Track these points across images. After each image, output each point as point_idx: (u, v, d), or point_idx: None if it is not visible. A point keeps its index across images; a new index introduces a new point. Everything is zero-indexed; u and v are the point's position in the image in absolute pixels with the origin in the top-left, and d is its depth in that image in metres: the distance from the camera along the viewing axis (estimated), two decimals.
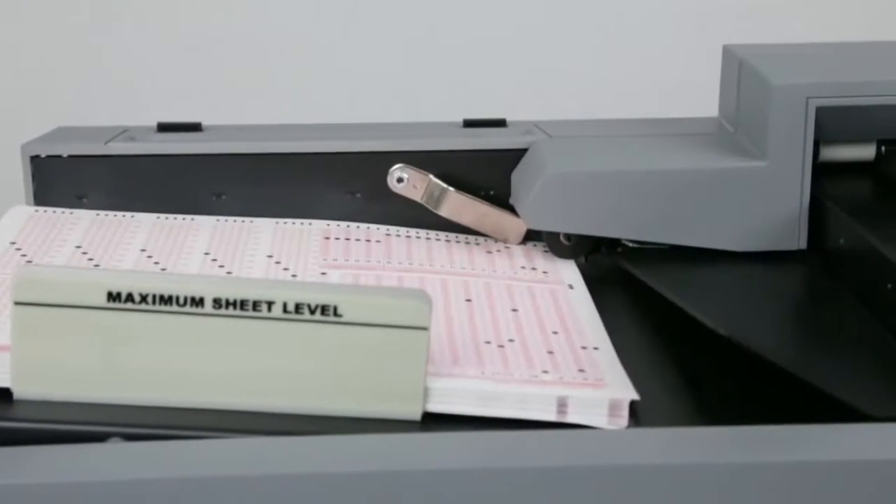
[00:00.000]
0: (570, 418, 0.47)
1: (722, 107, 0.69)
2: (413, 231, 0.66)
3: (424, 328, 0.46)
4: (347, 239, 0.64)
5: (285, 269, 0.60)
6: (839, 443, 0.44)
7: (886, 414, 0.45)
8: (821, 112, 0.60)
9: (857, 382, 0.48)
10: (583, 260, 0.64)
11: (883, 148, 0.64)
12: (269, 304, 0.46)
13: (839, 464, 0.43)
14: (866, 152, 0.64)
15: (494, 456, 0.43)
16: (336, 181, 0.66)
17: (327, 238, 0.64)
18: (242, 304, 0.46)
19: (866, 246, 0.55)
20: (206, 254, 0.61)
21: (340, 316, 0.46)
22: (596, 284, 0.61)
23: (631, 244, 0.63)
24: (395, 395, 0.47)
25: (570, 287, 0.60)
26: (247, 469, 0.42)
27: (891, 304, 0.52)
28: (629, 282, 0.61)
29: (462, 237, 0.66)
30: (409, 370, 0.47)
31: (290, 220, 0.66)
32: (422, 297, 0.47)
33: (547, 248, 0.64)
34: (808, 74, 0.61)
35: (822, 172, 0.63)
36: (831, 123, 0.61)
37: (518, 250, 0.65)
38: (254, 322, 0.46)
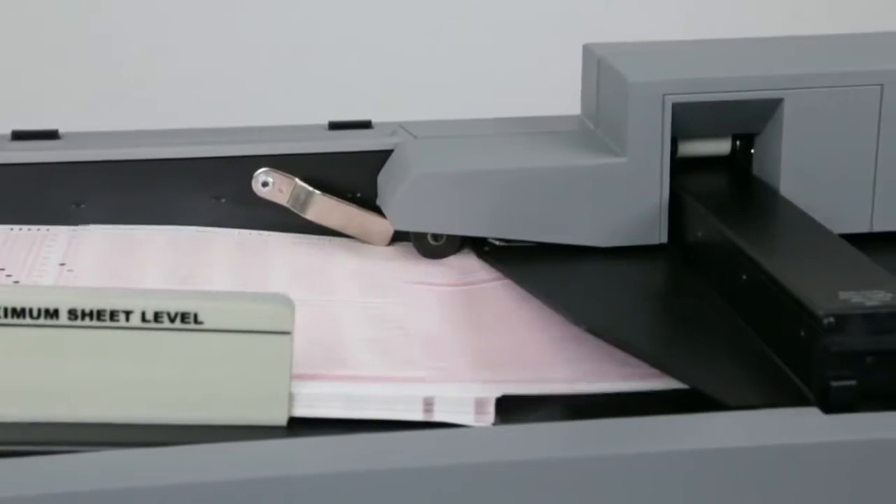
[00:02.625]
0: (437, 417, 0.48)
1: (583, 105, 0.70)
2: (280, 234, 0.65)
3: (287, 332, 0.46)
4: (212, 246, 0.63)
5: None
6: (698, 432, 0.45)
7: (743, 403, 0.46)
8: (677, 108, 0.62)
9: (714, 373, 0.49)
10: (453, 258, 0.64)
11: (738, 142, 0.65)
12: (128, 313, 0.45)
13: (698, 452, 0.44)
14: (722, 147, 0.65)
15: (360, 459, 0.43)
16: (200, 187, 0.65)
17: (192, 243, 0.63)
18: (99, 315, 0.45)
19: (722, 238, 0.56)
20: (62, 265, 0.60)
21: (201, 323, 0.46)
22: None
23: (497, 243, 0.63)
24: (260, 401, 0.47)
25: (440, 286, 0.60)
26: (109, 483, 0.41)
27: (746, 294, 0.53)
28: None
29: (329, 239, 0.66)
30: (273, 375, 0.46)
31: (153, 227, 0.65)
32: (283, 300, 0.46)
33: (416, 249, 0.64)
34: (665, 72, 0.63)
35: (681, 167, 0.64)
36: (688, 119, 0.62)
37: (388, 251, 0.65)
38: (112, 332, 0.45)
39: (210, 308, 0.46)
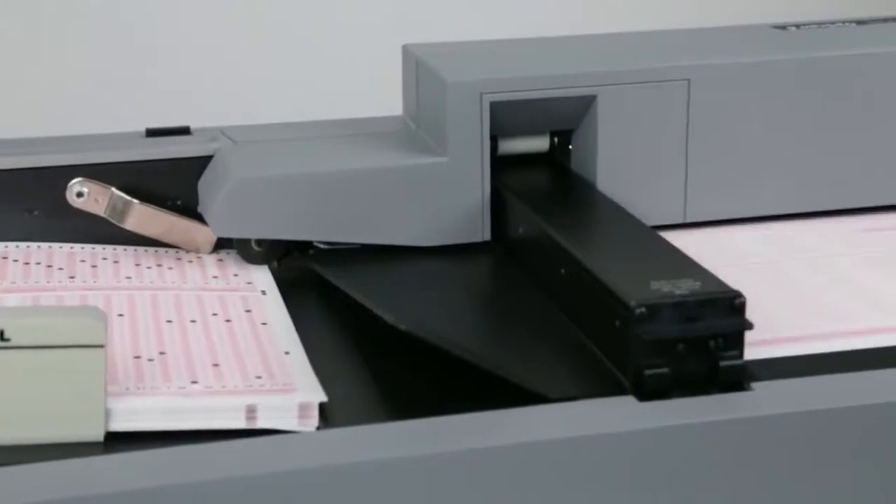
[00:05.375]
0: (261, 424, 0.47)
1: (405, 105, 0.70)
2: (98, 247, 0.64)
3: (100, 346, 0.45)
4: (27, 263, 0.61)
5: None
6: (518, 426, 0.45)
7: (563, 394, 0.47)
8: (495, 107, 0.62)
9: (535, 366, 0.50)
10: (275, 264, 0.63)
11: (556, 138, 0.66)
12: None
13: (520, 446, 0.44)
14: (541, 143, 0.66)
15: (180, 471, 0.42)
16: (11, 200, 0.63)
17: (4, 259, 0.61)
18: None
19: (541, 233, 0.57)
20: None
21: (8, 340, 0.44)
22: (290, 288, 0.60)
23: (322, 246, 0.63)
24: (75, 417, 0.45)
25: (263, 293, 0.60)
26: None
27: (565, 287, 0.54)
28: (323, 284, 0.61)
29: (151, 250, 0.64)
30: (87, 390, 0.45)
31: None
32: (94, 313, 0.45)
33: (239, 255, 0.63)
34: (482, 71, 0.63)
35: (502, 165, 0.65)
36: (506, 117, 0.63)
37: (210, 259, 0.64)
38: None
39: (17, 325, 0.44)
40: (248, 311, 0.57)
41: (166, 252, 0.64)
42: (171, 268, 0.62)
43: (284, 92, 1.03)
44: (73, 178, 0.63)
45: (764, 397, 0.46)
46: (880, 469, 0.46)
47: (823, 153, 0.66)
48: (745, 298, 0.47)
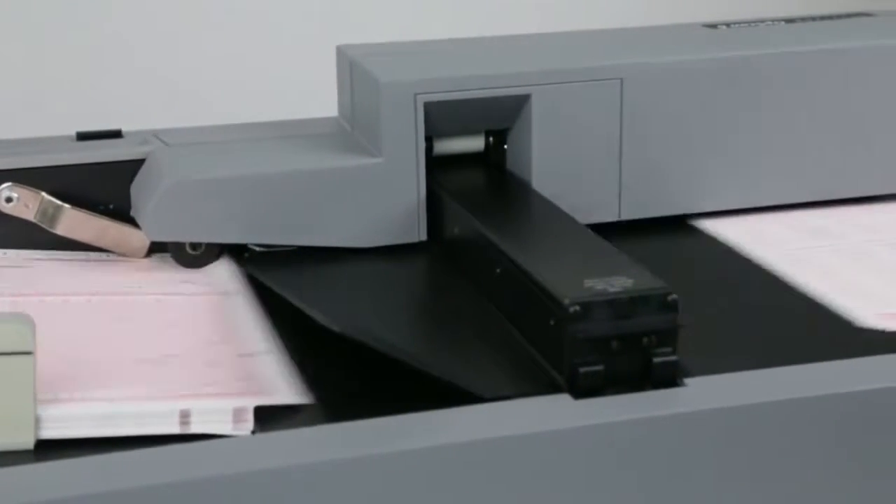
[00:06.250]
0: (195, 429, 0.47)
1: (340, 107, 0.70)
2: (29, 252, 0.63)
3: (29, 352, 0.44)
4: None
5: None
6: (453, 427, 0.45)
7: (497, 394, 0.47)
8: (429, 107, 0.62)
9: (470, 366, 0.50)
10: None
11: (491, 138, 0.66)
12: None
13: (455, 446, 0.44)
14: (476, 143, 0.66)
15: (111, 479, 0.42)
16: None
17: None
18: None
19: (477, 233, 0.57)
20: None
21: None
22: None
23: (258, 248, 0.63)
24: (4, 425, 0.45)
25: (199, 296, 0.59)
26: None
27: (501, 287, 0.54)
28: (261, 287, 0.60)
29: (83, 254, 0.64)
30: (16, 398, 0.44)
31: None
32: (23, 320, 0.44)
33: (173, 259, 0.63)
34: (416, 71, 0.63)
35: (438, 165, 0.65)
36: (441, 117, 0.63)
37: (143, 263, 0.63)
38: None
39: None
40: (182, 314, 0.57)
41: (99, 257, 0.64)
42: (103, 273, 0.62)
43: (218, 94, 1.02)
44: (2, 183, 0.62)
45: (696, 393, 0.47)
46: (811, 461, 0.47)
47: (755, 149, 0.67)
48: (677, 295, 0.47)
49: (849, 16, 0.74)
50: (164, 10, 1.03)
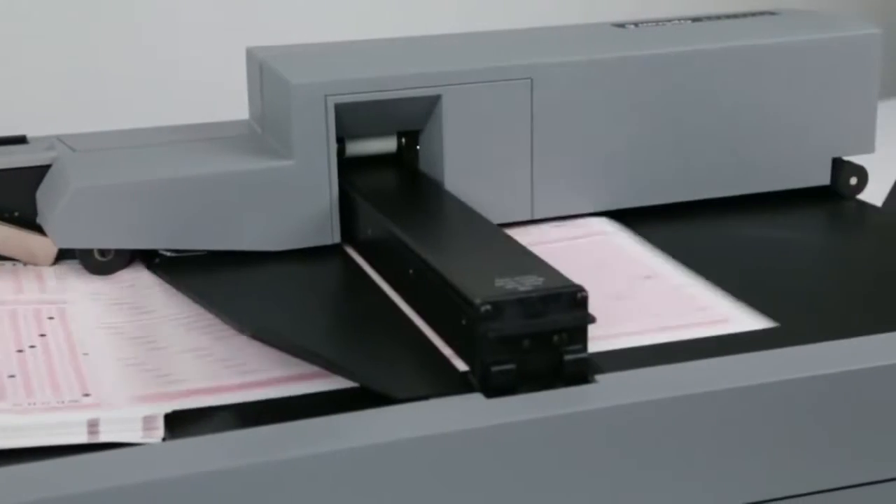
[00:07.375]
0: (104, 438, 0.46)
1: (251, 109, 0.69)
2: None
3: None
4: None
5: None
6: (366, 429, 0.45)
7: (410, 394, 0.47)
8: (340, 108, 0.62)
9: (383, 367, 0.50)
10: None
11: (403, 139, 0.66)
12: None
13: (368, 448, 0.44)
14: (388, 145, 0.66)
15: (16, 491, 0.41)
16: None
17: None
18: None
19: (389, 234, 0.57)
20: None
21: None
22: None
23: (168, 254, 0.62)
24: None
25: (106, 303, 0.58)
26: None
27: (414, 287, 0.54)
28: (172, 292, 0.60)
29: None
30: None
31: None
32: None
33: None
34: (326, 73, 0.63)
35: (351, 167, 0.64)
36: (352, 119, 0.63)
37: (50, 271, 0.62)
38: None
39: None
40: (89, 322, 0.56)
41: (3, 265, 0.62)
42: (7, 281, 0.60)
43: (126, 98, 1.01)
44: None
45: (607, 389, 0.47)
46: (720, 455, 0.47)
47: (664, 148, 0.68)
48: (587, 293, 0.48)
49: (754, 14, 0.75)
50: (67, 12, 1.02)
